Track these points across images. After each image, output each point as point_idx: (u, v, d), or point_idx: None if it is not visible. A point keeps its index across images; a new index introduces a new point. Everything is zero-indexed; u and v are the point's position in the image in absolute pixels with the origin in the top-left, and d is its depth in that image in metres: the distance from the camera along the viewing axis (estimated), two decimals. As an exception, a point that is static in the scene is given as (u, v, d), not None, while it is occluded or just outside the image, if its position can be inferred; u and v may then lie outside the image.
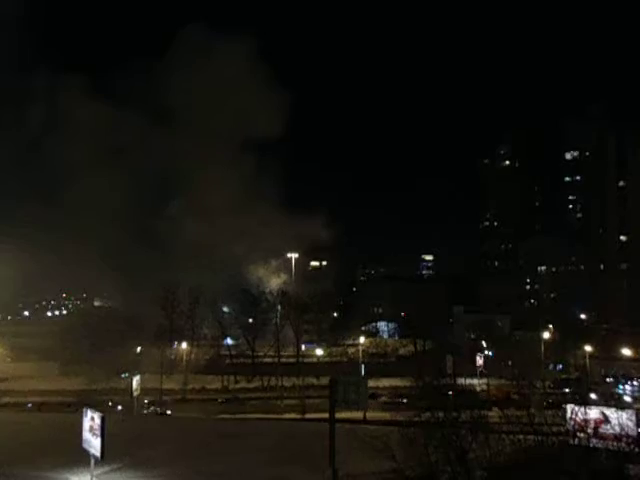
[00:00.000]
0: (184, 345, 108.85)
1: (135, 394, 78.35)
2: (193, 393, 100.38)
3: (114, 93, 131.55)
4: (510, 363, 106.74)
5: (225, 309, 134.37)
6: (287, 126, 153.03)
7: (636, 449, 29.95)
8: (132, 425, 55.19)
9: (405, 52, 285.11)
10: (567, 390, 72.58)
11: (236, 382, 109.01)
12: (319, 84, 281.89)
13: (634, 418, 33.09)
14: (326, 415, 38.02)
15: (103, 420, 34.44)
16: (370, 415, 66.35)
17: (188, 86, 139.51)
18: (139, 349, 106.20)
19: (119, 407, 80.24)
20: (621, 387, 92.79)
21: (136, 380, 78.73)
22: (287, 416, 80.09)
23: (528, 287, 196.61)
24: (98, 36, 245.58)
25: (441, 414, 28.84)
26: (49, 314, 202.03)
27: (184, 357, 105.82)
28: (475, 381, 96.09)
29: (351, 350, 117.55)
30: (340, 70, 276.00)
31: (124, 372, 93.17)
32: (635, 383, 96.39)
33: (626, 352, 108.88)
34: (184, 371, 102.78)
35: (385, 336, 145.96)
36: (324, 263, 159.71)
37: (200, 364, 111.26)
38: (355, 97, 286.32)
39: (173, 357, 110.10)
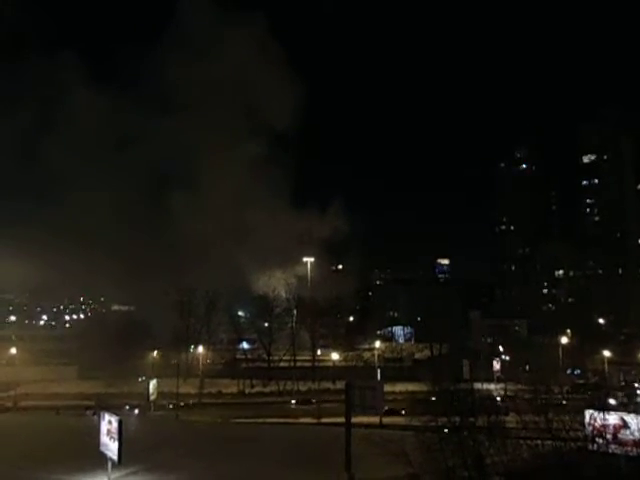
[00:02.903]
0: (200, 349, 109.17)
1: (152, 398, 78.74)
2: (209, 397, 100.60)
3: (113, 80, 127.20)
4: (527, 368, 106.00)
5: (241, 313, 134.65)
6: (299, 120, 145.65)
7: (656, 455, 29.59)
8: (149, 429, 55.44)
9: (426, 50, 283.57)
10: (586, 395, 71.81)
11: (252, 386, 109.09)
12: (334, 78, 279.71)
13: (654, 424, 32.67)
14: (342, 419, 37.98)
15: (120, 423, 34.65)
16: (386, 420, 66.10)
17: (192, 72, 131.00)
18: (155, 353, 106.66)
19: (136, 411, 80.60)
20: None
21: (153, 384, 79.14)
22: (302, 420, 79.96)
23: (545, 291, 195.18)
24: (94, 18, 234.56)
25: (458, 419, 28.71)
26: (67, 318, 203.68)
27: (200, 361, 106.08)
28: (492, 386, 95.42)
29: (367, 354, 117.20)
30: (356, 66, 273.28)
31: (141, 376, 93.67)
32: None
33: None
34: (200, 375, 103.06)
35: (401, 340, 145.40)
36: (340, 267, 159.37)
37: (216, 368, 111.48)
38: (372, 96, 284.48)
39: (189, 361, 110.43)
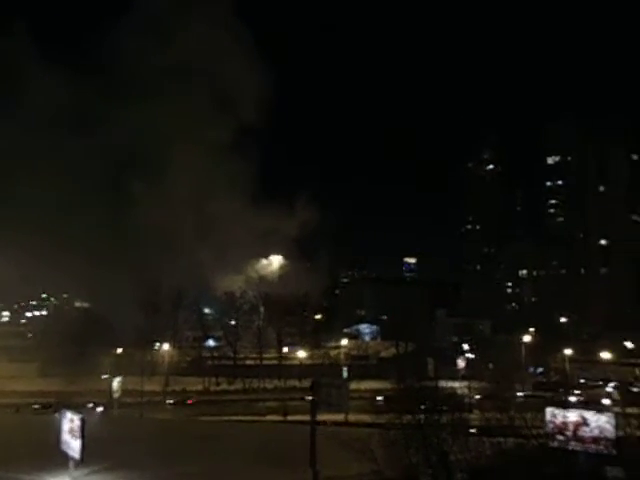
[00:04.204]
0: (165, 346, 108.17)
1: (115, 396, 77.80)
2: (174, 395, 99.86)
3: (70, 63, 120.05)
4: (491, 366, 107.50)
5: (207, 310, 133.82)
6: (267, 111, 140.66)
7: (614, 451, 30.26)
8: (112, 427, 54.74)
9: (396, 44, 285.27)
10: (547, 394, 73.10)
11: (217, 384, 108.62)
12: (305, 69, 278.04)
13: (613, 421, 33.39)
14: (307, 417, 37.99)
15: (83, 422, 34.13)
16: (352, 417, 66.36)
17: (154, 57, 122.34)
18: (119, 350, 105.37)
19: (99, 409, 79.53)
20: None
21: (116, 381, 78.20)
22: (268, 418, 79.85)
23: (510, 291, 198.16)
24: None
25: (422, 416, 28.97)
26: (29, 315, 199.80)
27: (165, 359, 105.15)
28: (457, 384, 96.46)
29: (333, 352, 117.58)
30: (326, 59, 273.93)
31: (104, 373, 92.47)
32: (613, 385, 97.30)
33: (605, 356, 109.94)
34: (165, 373, 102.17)
35: (367, 338, 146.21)
36: (307, 265, 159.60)
37: (181, 366, 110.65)
38: (344, 90, 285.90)
39: (154, 359, 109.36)
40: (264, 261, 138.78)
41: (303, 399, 76.28)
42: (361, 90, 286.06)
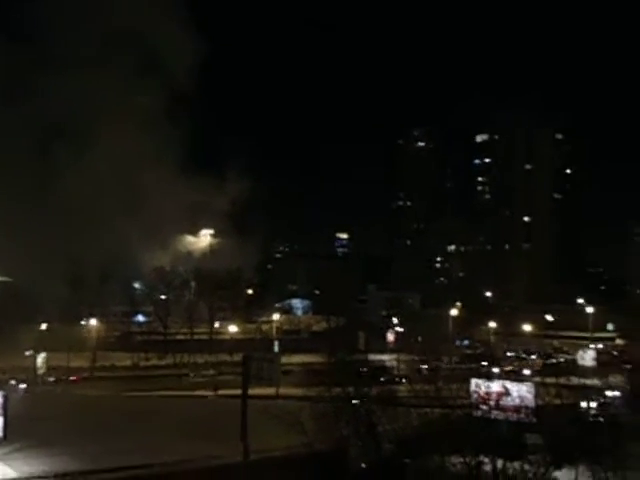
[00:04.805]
0: (93, 322, 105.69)
1: (40, 372, 75.84)
2: (102, 370, 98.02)
3: None
4: (420, 339, 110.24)
5: (136, 285, 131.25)
6: (200, 80, 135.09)
7: (534, 419, 31.65)
8: (35, 404, 53.31)
9: (332, 19, 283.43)
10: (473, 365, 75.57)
11: (147, 359, 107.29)
12: (240, 38, 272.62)
13: (533, 390, 34.89)
14: (239, 392, 37.99)
15: (6, 399, 33.15)
16: (283, 391, 66.85)
17: (80, 19, 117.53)
18: (44, 326, 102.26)
19: (23, 385, 77.20)
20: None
21: (41, 358, 76.19)
22: (199, 393, 79.47)
23: (438, 266, 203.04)
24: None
25: (352, 389, 29.44)
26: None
27: (93, 334, 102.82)
28: (386, 357, 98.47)
29: (265, 327, 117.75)
30: (261, 28, 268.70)
31: (28, 350, 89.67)
32: (534, 357, 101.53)
33: (526, 328, 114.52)
34: (92, 348, 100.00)
35: (299, 313, 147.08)
36: (239, 239, 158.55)
37: (109, 341, 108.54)
38: (280, 62, 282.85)
39: (81, 334, 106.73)
40: (195, 235, 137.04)
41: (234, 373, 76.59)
42: (296, 61, 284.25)
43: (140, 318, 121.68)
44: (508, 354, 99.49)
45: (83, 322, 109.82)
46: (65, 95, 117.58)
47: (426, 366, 66.39)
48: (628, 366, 61.37)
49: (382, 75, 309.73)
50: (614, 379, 50.61)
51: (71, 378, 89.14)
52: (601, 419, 36.02)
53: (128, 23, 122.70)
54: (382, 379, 66.51)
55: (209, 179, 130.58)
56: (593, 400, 34.10)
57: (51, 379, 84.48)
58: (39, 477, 32.00)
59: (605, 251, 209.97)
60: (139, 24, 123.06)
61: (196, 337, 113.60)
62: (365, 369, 58.49)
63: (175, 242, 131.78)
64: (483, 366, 60.20)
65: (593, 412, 35.86)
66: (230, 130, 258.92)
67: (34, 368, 75.56)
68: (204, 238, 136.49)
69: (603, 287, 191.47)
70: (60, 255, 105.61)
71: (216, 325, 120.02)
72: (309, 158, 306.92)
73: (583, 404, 32.86)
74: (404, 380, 59.32)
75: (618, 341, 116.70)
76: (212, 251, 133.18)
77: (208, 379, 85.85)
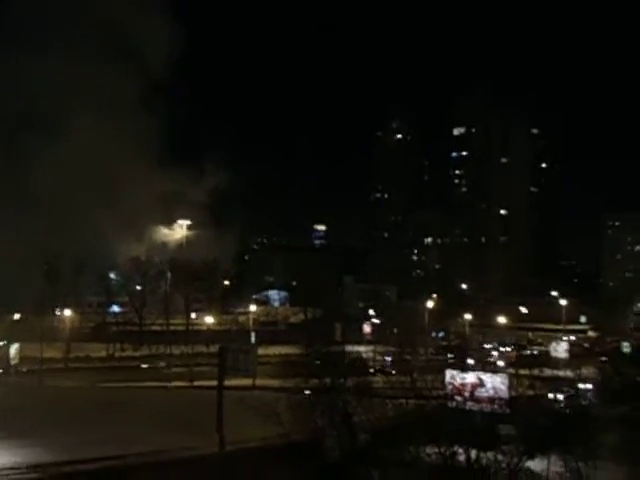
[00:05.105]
0: (67, 312, 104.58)
1: (13, 363, 75.01)
2: (76, 362, 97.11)
3: None
4: (396, 331, 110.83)
5: (112, 275, 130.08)
6: (178, 68, 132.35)
7: (507, 410, 32.03)
8: (9, 395, 52.70)
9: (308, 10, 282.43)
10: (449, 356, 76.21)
11: (122, 350, 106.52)
12: (219, 25, 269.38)
13: (507, 381, 35.31)
14: (215, 383, 37.92)
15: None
16: (259, 382, 66.83)
17: (54, 3, 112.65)
18: (17, 316, 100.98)
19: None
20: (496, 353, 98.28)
21: (14, 348, 75.35)
22: (175, 384, 79.13)
23: (415, 258, 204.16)
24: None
25: (328, 380, 29.50)
26: None
27: (67, 324, 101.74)
28: (362, 348, 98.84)
29: (242, 318, 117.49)
30: (240, 17, 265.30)
31: (1, 340, 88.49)
32: (508, 349, 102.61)
33: (501, 320, 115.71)
34: (66, 339, 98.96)
35: (276, 304, 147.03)
36: (216, 231, 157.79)
37: (84, 332, 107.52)
38: (253, 52, 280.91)
39: (55, 325, 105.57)
40: (171, 226, 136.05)
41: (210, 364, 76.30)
42: (275, 52, 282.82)
43: (115, 309, 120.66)
44: (486, 346, 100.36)
45: (57, 313, 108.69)
46: (37, 83, 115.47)
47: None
48: (603, 358, 62.25)
49: (361, 67, 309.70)
50: (586, 371, 51.53)
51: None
52: (573, 410, 36.60)
53: (102, 8, 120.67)
54: (372, 370, 67.98)
55: (186, 170, 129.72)
56: (562, 392, 34.65)
57: (24, 370, 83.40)
58: (11, 468, 31.67)
59: (578, 245, 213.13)
60: (114, 10, 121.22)
61: (172, 328, 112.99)
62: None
63: (151, 233, 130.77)
64: (459, 359, 60.63)
65: (563, 403, 36.39)
66: (207, 121, 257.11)
67: (7, 359, 74.57)
68: (180, 229, 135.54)
69: (576, 280, 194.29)
70: (34, 245, 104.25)
71: (192, 316, 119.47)
72: (287, 150, 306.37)
73: (550, 395, 33.42)
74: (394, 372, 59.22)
75: (590, 333, 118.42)
76: (188, 242, 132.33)
77: (184, 370, 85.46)
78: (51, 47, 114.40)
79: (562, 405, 36.42)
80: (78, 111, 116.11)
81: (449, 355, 73.14)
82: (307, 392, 29.84)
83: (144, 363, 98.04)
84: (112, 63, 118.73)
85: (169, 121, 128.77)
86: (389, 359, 67.20)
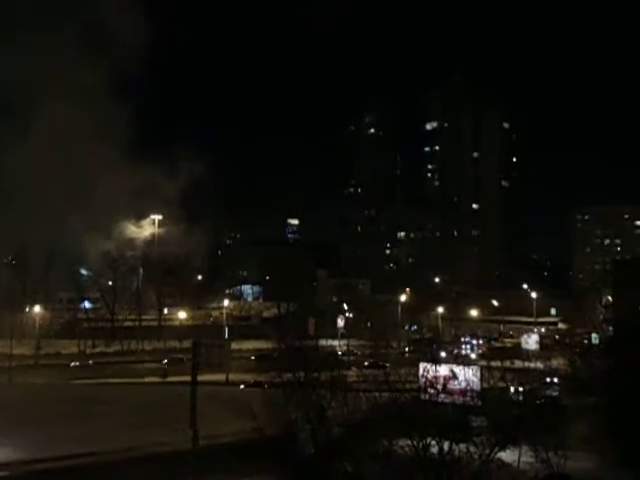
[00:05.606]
0: (37, 308, 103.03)
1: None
2: (47, 358, 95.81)
3: None
4: (369, 324, 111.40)
5: (83, 271, 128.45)
6: (150, 59, 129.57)
7: (479, 402, 32.39)
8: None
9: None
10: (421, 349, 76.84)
11: (94, 346, 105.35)
12: (191, 15, 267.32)
13: (478, 374, 35.70)
14: (188, 378, 37.69)
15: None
16: (233, 377, 66.70)
17: None
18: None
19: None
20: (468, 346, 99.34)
21: (-18, 346, 74.09)
22: (148, 380, 78.61)
23: (388, 252, 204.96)
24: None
25: (302, 374, 29.53)
26: None
27: (37, 321, 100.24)
28: (336, 342, 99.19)
29: (215, 313, 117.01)
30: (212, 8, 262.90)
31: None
32: (480, 342, 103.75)
33: (473, 313, 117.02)
34: (36, 336, 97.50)
35: (250, 299, 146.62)
36: (189, 225, 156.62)
37: (54, 328, 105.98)
38: (226, 45, 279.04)
39: (24, 321, 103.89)
40: (142, 221, 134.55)
41: (182, 360, 75.77)
42: (248, 45, 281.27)
43: (86, 305, 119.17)
44: (463, 339, 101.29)
45: (27, 309, 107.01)
46: (3, 72, 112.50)
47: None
48: (577, 349, 63.01)
49: (335, 61, 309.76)
50: (556, 362, 52.34)
51: None
52: (542, 401, 37.14)
53: None
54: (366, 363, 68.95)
55: (158, 164, 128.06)
56: (525, 385, 35.12)
57: None
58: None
59: (548, 238, 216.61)
60: None
61: (144, 324, 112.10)
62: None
63: (122, 228, 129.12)
64: (431, 350, 61.14)
65: (534, 395, 36.86)
66: (180, 115, 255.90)
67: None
68: (152, 224, 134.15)
69: (546, 273, 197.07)
70: (1, 240, 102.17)
71: (165, 311, 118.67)
72: (261, 144, 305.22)
73: (512, 389, 33.89)
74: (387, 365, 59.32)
75: (561, 325, 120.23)
76: (161, 237, 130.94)
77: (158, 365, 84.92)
78: (19, 37, 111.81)
79: (537, 395, 36.87)
80: (47, 103, 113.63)
81: (422, 348, 73.73)
82: (280, 386, 29.86)
83: (116, 359, 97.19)
84: (82, 55, 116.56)
85: (140, 115, 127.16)
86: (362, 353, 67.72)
